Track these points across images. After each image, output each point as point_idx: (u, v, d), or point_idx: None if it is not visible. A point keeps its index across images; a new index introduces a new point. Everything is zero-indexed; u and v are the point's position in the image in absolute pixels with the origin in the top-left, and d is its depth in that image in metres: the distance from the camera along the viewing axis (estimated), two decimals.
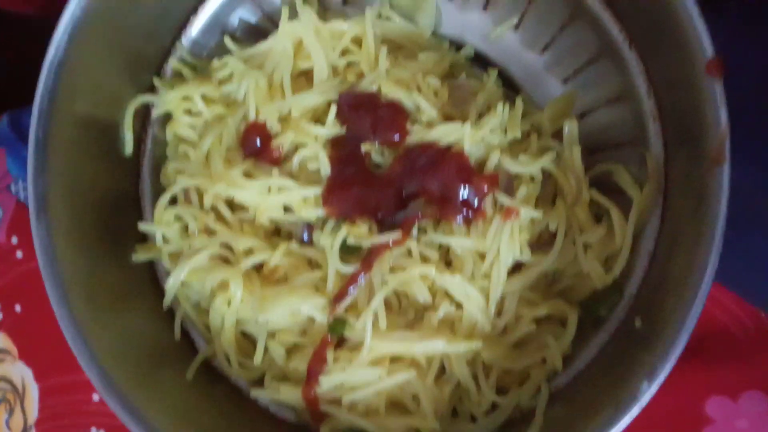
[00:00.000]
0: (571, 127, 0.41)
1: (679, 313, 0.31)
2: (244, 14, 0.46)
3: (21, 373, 0.53)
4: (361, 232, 0.39)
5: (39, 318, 0.53)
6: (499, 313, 0.39)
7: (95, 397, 0.52)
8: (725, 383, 0.45)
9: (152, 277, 0.45)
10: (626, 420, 0.31)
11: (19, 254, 0.55)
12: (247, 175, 0.41)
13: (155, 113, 0.45)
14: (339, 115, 0.41)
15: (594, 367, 0.38)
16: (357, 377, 0.38)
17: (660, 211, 0.38)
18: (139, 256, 0.43)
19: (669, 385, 0.44)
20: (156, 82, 0.44)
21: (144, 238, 0.45)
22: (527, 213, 0.38)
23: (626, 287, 0.38)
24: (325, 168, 0.40)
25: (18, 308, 0.54)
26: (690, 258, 0.33)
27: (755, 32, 0.38)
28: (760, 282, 0.42)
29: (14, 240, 0.55)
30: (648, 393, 0.31)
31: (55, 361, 0.53)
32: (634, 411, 0.31)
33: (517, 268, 0.39)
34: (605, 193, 0.40)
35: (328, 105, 0.42)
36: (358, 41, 0.44)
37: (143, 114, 0.45)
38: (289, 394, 0.39)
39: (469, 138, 0.38)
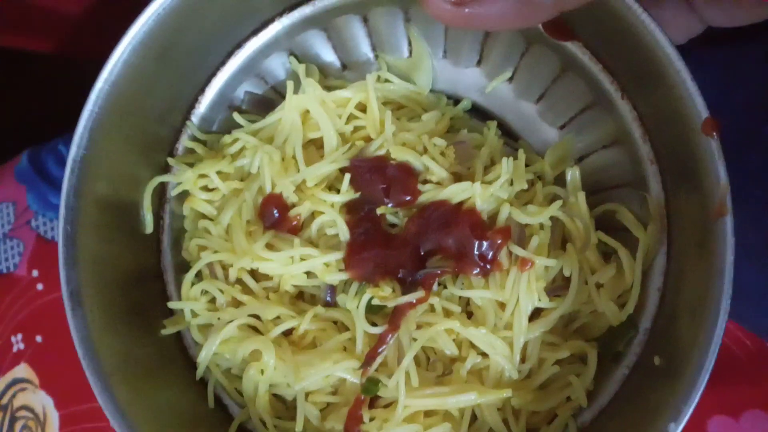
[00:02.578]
0: (573, 174, 0.43)
1: (697, 354, 0.33)
2: (249, 88, 0.48)
3: (42, 401, 0.54)
4: (384, 294, 0.41)
5: (59, 348, 0.55)
6: (523, 359, 0.41)
7: None
8: (727, 403, 0.46)
9: (180, 346, 0.46)
10: None
11: (39, 287, 0.56)
12: (270, 246, 0.43)
13: (173, 192, 0.46)
14: (351, 180, 0.43)
15: (618, 401, 0.40)
16: None
17: (665, 248, 0.40)
18: (168, 330, 0.45)
19: None
20: (171, 162, 0.46)
21: (170, 311, 0.46)
22: (542, 262, 0.40)
23: (640, 322, 0.40)
24: (344, 233, 0.42)
25: (39, 339, 0.55)
26: (698, 294, 0.36)
27: (736, 78, 0.41)
28: (752, 312, 0.44)
29: (35, 273, 0.57)
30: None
31: (75, 389, 0.54)
32: None
33: (535, 313, 0.41)
34: (609, 230, 0.42)
35: (341, 171, 0.44)
36: (362, 106, 0.46)
37: (160, 191, 0.47)
38: None
39: (480, 196, 0.40)
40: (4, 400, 0.56)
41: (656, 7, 0.36)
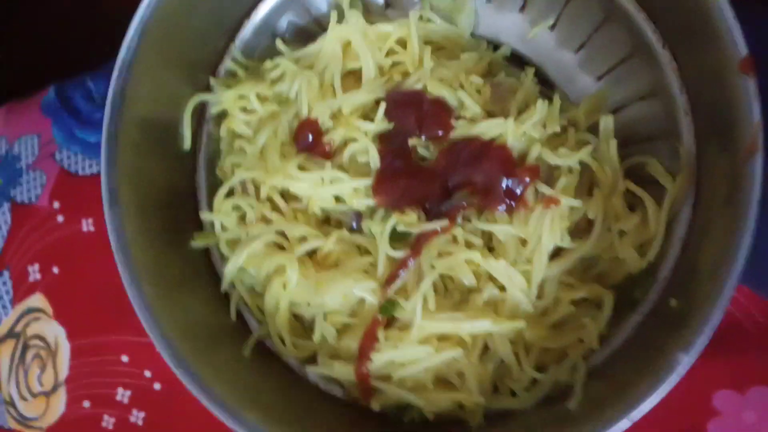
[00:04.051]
0: (606, 122, 0.43)
1: (714, 292, 0.34)
2: (293, 18, 0.49)
3: (55, 332, 0.55)
4: (410, 220, 0.41)
5: (75, 280, 0.55)
6: (539, 296, 0.41)
7: (124, 359, 0.53)
8: (734, 377, 0.45)
9: (208, 263, 0.48)
10: (664, 388, 0.33)
11: (60, 218, 0.56)
12: (301, 168, 0.44)
13: (212, 111, 0.48)
14: (386, 111, 0.44)
15: (630, 345, 0.40)
16: (407, 355, 0.41)
17: (692, 200, 0.40)
18: (198, 242, 0.46)
19: None
20: (212, 81, 0.47)
21: (200, 227, 0.48)
22: (567, 202, 0.40)
23: (660, 271, 0.41)
24: (375, 161, 0.43)
25: (56, 270, 0.55)
26: (723, 243, 0.36)
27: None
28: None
29: (56, 205, 0.57)
30: (685, 364, 0.33)
31: (88, 322, 0.54)
32: (672, 379, 0.33)
33: (556, 253, 0.42)
34: (639, 183, 0.42)
35: (376, 102, 0.44)
36: (402, 42, 0.46)
37: (199, 112, 0.48)
38: (342, 371, 0.42)
39: (512, 132, 0.41)
40: (18, 328, 0.56)
41: None
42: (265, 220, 0.45)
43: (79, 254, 0.56)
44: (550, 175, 0.42)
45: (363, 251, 0.44)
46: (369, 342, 0.41)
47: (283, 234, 0.44)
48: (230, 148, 0.48)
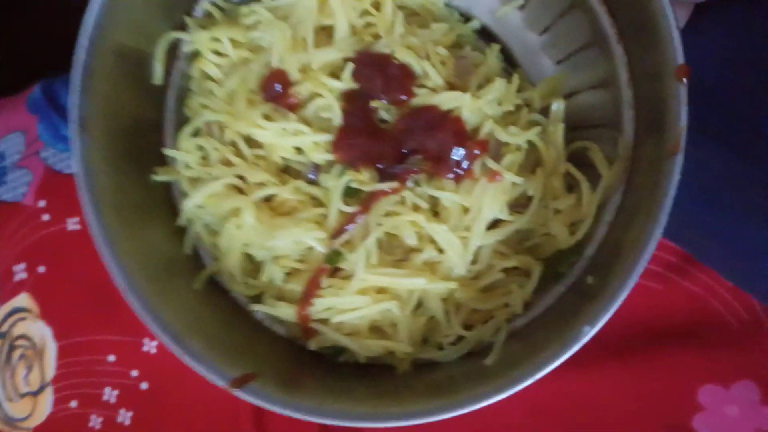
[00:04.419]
0: (558, 106, 0.46)
1: (624, 274, 0.37)
2: None
3: (41, 331, 0.54)
4: (363, 179, 0.44)
5: (61, 279, 0.55)
6: (474, 261, 0.45)
7: (111, 358, 0.54)
8: (718, 372, 0.46)
9: (168, 197, 0.50)
10: (568, 354, 0.37)
11: (45, 217, 0.56)
12: (267, 117, 0.46)
13: (185, 50, 0.49)
14: (354, 72, 0.46)
15: (549, 313, 0.44)
16: (346, 302, 0.44)
17: (623, 187, 0.44)
18: (160, 176, 0.48)
19: (663, 371, 0.47)
20: (188, 20, 0.48)
21: (164, 162, 0.49)
22: (510, 177, 0.43)
23: (585, 249, 0.44)
24: (337, 118, 0.45)
25: (41, 269, 0.55)
26: (642, 230, 0.39)
27: (757, 29, 0.42)
28: (751, 270, 0.45)
29: (41, 203, 0.56)
30: (589, 335, 0.37)
31: (75, 321, 0.54)
32: (575, 348, 0.37)
33: (494, 224, 0.45)
34: (579, 166, 0.45)
35: (345, 61, 0.46)
36: (377, 5, 0.48)
37: (173, 49, 0.49)
38: (285, 312, 0.45)
39: (467, 106, 0.43)
40: (4, 328, 0.56)
41: None
42: (227, 163, 0.47)
43: (65, 253, 0.55)
44: (498, 149, 0.45)
45: (317, 203, 0.46)
46: (313, 287, 0.44)
47: (242, 178, 0.47)
48: (200, 89, 0.49)
